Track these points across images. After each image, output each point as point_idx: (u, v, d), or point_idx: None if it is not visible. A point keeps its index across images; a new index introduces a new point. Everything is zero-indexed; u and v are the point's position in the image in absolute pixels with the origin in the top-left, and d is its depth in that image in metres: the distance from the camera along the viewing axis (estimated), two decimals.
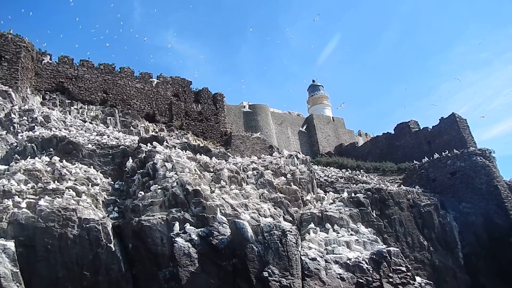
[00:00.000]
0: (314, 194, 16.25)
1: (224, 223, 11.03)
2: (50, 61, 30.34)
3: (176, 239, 9.61)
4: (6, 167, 15.05)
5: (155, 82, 33.82)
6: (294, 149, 44.51)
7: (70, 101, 29.94)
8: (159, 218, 12.50)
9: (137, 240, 12.32)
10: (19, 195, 12.83)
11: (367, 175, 31.32)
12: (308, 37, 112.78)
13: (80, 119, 26.46)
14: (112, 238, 12.28)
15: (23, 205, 12.18)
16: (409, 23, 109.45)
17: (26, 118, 22.01)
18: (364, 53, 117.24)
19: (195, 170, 14.38)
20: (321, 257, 10.50)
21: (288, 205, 14.41)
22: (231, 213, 12.83)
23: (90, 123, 27.25)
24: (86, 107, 30.25)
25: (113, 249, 12.06)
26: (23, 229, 11.60)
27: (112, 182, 16.07)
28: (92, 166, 17.32)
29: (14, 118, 21.74)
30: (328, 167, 32.49)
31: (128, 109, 31.97)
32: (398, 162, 35.66)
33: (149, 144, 17.13)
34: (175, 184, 13.26)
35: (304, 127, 45.99)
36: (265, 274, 9.24)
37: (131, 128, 29.72)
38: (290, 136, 45.10)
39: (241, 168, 15.79)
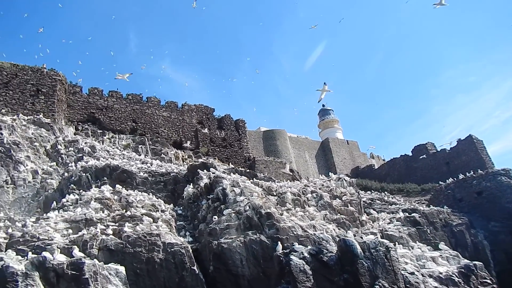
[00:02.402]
0: (366, 215, 16.86)
1: (329, 241, 11.62)
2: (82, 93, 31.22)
3: (291, 257, 10.16)
4: (76, 197, 15.60)
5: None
6: (312, 173, 45.25)
7: (101, 131, 30.65)
8: (237, 240, 13.07)
9: (218, 263, 12.86)
10: (100, 222, 13.37)
11: (392, 196, 31.94)
12: (298, 62, 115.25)
13: (117, 148, 27.08)
14: (194, 261, 12.80)
15: (109, 231, 12.72)
16: (395, 48, 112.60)
17: (72, 149, 22.67)
18: (352, 78, 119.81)
19: (261, 194, 15.02)
20: (417, 271, 11.10)
21: (349, 225, 15.01)
22: (302, 234, 13.44)
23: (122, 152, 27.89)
24: (117, 137, 30.93)
25: (197, 271, 12.56)
26: (112, 255, 12.11)
27: (176, 208, 16.61)
28: (147, 193, 17.90)
29: (61, 149, 22.40)
30: None
31: (157, 137, 32.70)
32: (418, 183, 36.39)
33: (205, 170, 17.77)
34: (247, 207, 13.87)
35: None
36: (377, 287, 9.80)
37: (162, 155, 30.35)
38: (307, 159, 45.87)
39: (301, 191, 16.45)
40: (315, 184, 18.33)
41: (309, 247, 11.56)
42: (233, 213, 13.92)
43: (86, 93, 31.63)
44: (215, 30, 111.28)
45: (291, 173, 35.40)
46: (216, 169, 19.37)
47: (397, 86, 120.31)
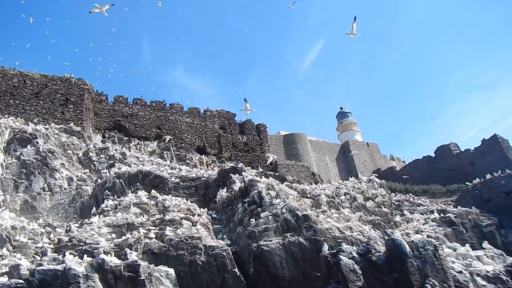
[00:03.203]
0: (399, 216, 16.89)
1: (376, 241, 11.76)
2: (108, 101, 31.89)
3: (340, 257, 10.33)
4: (115, 202, 16.00)
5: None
6: (333, 176, 45.21)
7: (127, 138, 31.21)
8: (276, 242, 13.26)
9: (258, 265, 13.06)
10: (142, 226, 13.71)
11: (417, 198, 31.75)
12: (313, 65, 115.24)
13: (145, 155, 27.56)
14: (234, 263, 13.03)
15: (152, 235, 13.04)
16: (409, 48, 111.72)
17: (103, 156, 23.19)
18: (367, 78, 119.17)
19: (296, 196, 15.20)
20: (465, 270, 11.15)
21: (384, 226, 15.07)
22: (340, 236, 13.57)
23: (150, 158, 28.35)
24: (143, 143, 31.45)
25: (238, 273, 12.78)
26: (156, 258, 12.40)
27: (210, 212, 16.89)
28: (180, 198, 18.22)
29: (93, 156, 22.95)
30: None
31: (181, 143, 33.12)
32: (442, 184, 36.05)
33: (237, 174, 18.03)
34: (284, 210, 14.07)
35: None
36: (428, 286, 9.90)
37: (187, 161, 30.75)
38: (328, 163, 45.87)
39: (334, 193, 16.60)
40: (346, 186, 18.44)
41: (356, 247, 11.69)
42: (270, 215, 14.12)
43: (111, 101, 32.27)
44: (227, 37, 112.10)
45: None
46: (247, 173, 19.59)
47: (412, 87, 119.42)
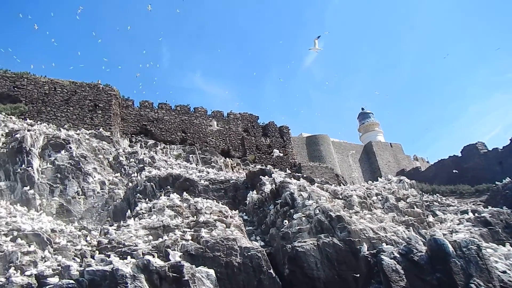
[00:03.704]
0: (432, 216, 16.72)
1: (417, 240, 11.74)
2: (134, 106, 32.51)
3: (381, 257, 10.35)
4: (149, 205, 16.32)
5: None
6: (357, 177, 44.89)
7: (154, 142, 31.70)
8: (311, 243, 13.32)
9: (293, 266, 13.14)
10: (177, 228, 13.95)
11: (445, 198, 31.26)
12: (330, 66, 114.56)
13: (173, 159, 27.97)
14: (270, 264, 13.14)
15: (188, 237, 13.27)
16: (428, 47, 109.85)
17: (133, 160, 23.64)
18: (385, 78, 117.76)
19: (328, 197, 15.23)
20: (509, 270, 11.02)
21: (418, 227, 14.96)
22: (374, 236, 13.54)
23: (178, 162, 28.73)
24: (169, 147, 31.90)
25: (273, 274, 12.87)
26: (193, 259, 12.59)
27: (240, 214, 17.05)
28: (211, 200, 18.44)
29: (123, 160, 23.41)
30: None
31: (206, 146, 33.46)
32: (470, 184, 35.39)
33: (266, 176, 18.16)
34: (317, 211, 14.12)
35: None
36: (473, 286, 9.83)
37: (212, 164, 31.04)
38: (351, 164, 45.58)
39: (365, 193, 16.57)
40: (376, 186, 18.35)
41: (395, 247, 11.66)
42: (303, 217, 14.20)
43: (137, 106, 32.87)
44: (243, 41, 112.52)
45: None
46: (275, 175, 19.70)
47: (432, 86, 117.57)
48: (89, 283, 9.59)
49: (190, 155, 31.41)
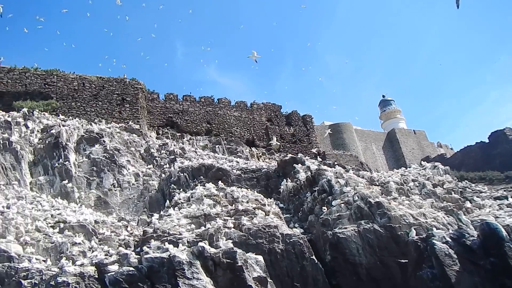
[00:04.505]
0: (469, 202, 16.57)
1: (469, 225, 11.76)
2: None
3: (433, 241, 10.41)
4: (188, 195, 16.63)
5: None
6: (381, 165, 44.63)
7: (180, 134, 32.07)
8: (351, 230, 13.43)
9: (335, 252, 13.28)
10: (218, 217, 14.18)
11: (474, 185, 30.86)
12: (345, 54, 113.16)
13: (201, 150, 28.29)
14: (312, 251, 13.31)
15: (230, 225, 13.51)
16: (447, 35, 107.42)
17: (164, 152, 24.01)
18: (404, 66, 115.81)
19: (365, 184, 15.28)
20: None
21: (458, 213, 14.86)
22: (415, 222, 13.55)
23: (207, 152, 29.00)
24: (195, 138, 32.22)
25: (316, 261, 13.04)
26: (237, 247, 12.69)
27: (275, 202, 17.22)
28: (246, 189, 18.63)
29: (154, 152, 23.79)
30: None
31: (231, 136, 33.66)
32: (499, 171, 34.80)
33: (299, 165, 18.27)
34: (356, 198, 14.19)
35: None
36: None
37: (238, 153, 31.25)
38: (375, 151, 45.32)
39: (402, 180, 16.55)
40: (410, 173, 18.29)
41: (448, 232, 11.69)
42: (342, 203, 14.29)
43: (163, 99, 33.24)
44: (257, 32, 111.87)
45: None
46: (307, 163, 19.79)
47: (451, 74, 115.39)
48: (148, 270, 9.92)
49: (216, 146, 31.68)
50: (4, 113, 23.56)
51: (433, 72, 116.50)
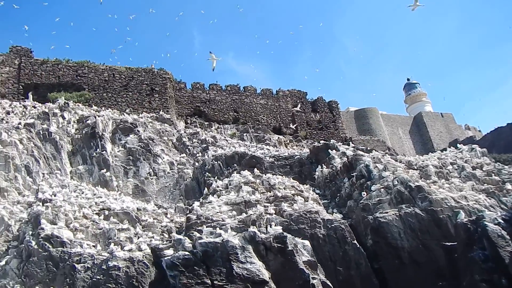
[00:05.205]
0: (509, 184, 16.31)
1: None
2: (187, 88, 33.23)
3: (485, 223, 10.42)
4: (225, 182, 16.89)
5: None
6: (408, 149, 44.13)
7: (208, 122, 32.38)
8: (392, 214, 13.46)
9: (376, 236, 13.34)
10: (258, 203, 14.39)
11: (508, 167, 30.31)
12: (363, 41, 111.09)
13: (231, 138, 28.54)
14: (353, 235, 13.42)
15: (271, 211, 13.70)
16: (468, 14, 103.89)
17: (195, 141, 24.36)
18: (423, 46, 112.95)
19: (403, 168, 15.23)
20: None
21: (499, 195, 14.71)
22: (456, 205, 13.50)
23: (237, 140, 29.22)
24: (222, 127, 32.50)
25: (358, 245, 13.16)
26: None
27: (313, 188, 17.34)
28: (281, 176, 18.77)
29: (186, 141, 24.15)
30: None
31: (258, 124, 33.80)
32: None
33: (334, 151, 18.31)
34: (395, 182, 14.18)
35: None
36: None
37: (266, 141, 31.37)
38: (401, 136, 44.81)
39: (440, 163, 16.44)
40: (446, 156, 18.11)
41: (498, 213, 11.64)
42: (382, 188, 14.30)
43: (190, 89, 33.54)
44: (275, 18, 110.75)
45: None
46: (340, 149, 19.78)
47: (473, 53, 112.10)
48: (203, 254, 10.24)
49: (244, 134, 31.89)
50: (40, 104, 24.30)
51: (455, 51, 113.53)
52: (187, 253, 10.31)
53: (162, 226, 15.40)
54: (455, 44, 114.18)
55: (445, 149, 22.27)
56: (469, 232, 10.55)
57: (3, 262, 12.57)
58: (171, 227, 15.22)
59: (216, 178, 19.19)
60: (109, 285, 11.26)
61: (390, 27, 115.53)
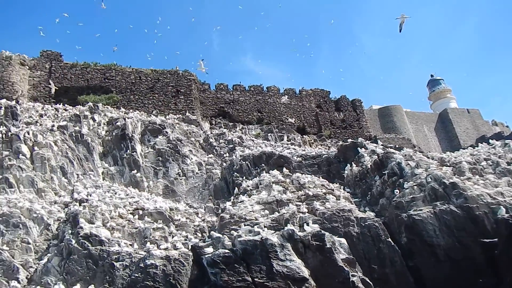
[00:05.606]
0: None
1: None
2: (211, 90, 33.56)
3: None
4: (256, 181, 17.02)
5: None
6: (433, 147, 43.43)
7: (232, 123, 32.60)
8: (427, 211, 13.33)
9: (411, 234, 13.23)
10: (290, 202, 14.46)
11: None
12: (384, 39, 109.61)
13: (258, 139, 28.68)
14: (387, 233, 13.35)
15: (304, 209, 13.75)
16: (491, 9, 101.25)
17: (222, 141, 24.60)
18: (447, 42, 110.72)
19: (436, 165, 15.07)
20: None
21: None
22: (493, 202, 13.30)
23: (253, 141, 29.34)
24: (247, 127, 32.66)
25: (392, 243, 13.08)
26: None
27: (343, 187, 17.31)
28: (308, 175, 18.78)
29: (213, 142, 24.40)
30: None
31: (282, 124, 33.83)
32: None
33: (363, 149, 18.22)
34: (429, 179, 14.04)
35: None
36: None
37: (291, 141, 31.40)
38: (427, 133, 44.15)
39: (474, 159, 16.20)
40: (478, 152, 17.81)
41: None
42: (415, 185, 14.18)
43: (214, 90, 33.84)
44: (293, 17, 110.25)
45: None
46: (368, 148, 19.65)
47: (497, 48, 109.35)
48: (242, 252, 10.39)
49: (268, 134, 31.99)
50: (71, 107, 24.95)
51: (479, 45, 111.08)
52: (227, 251, 10.48)
53: (194, 226, 15.65)
54: (479, 38, 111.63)
55: (473, 146, 21.90)
56: (510, 228, 10.39)
57: (45, 260, 13.02)
58: (203, 226, 15.46)
59: (244, 178, 19.35)
60: (147, 282, 11.54)
61: (411, 23, 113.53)
